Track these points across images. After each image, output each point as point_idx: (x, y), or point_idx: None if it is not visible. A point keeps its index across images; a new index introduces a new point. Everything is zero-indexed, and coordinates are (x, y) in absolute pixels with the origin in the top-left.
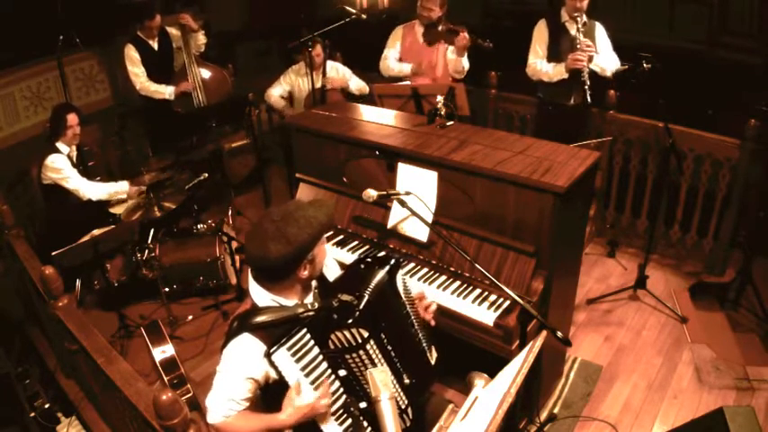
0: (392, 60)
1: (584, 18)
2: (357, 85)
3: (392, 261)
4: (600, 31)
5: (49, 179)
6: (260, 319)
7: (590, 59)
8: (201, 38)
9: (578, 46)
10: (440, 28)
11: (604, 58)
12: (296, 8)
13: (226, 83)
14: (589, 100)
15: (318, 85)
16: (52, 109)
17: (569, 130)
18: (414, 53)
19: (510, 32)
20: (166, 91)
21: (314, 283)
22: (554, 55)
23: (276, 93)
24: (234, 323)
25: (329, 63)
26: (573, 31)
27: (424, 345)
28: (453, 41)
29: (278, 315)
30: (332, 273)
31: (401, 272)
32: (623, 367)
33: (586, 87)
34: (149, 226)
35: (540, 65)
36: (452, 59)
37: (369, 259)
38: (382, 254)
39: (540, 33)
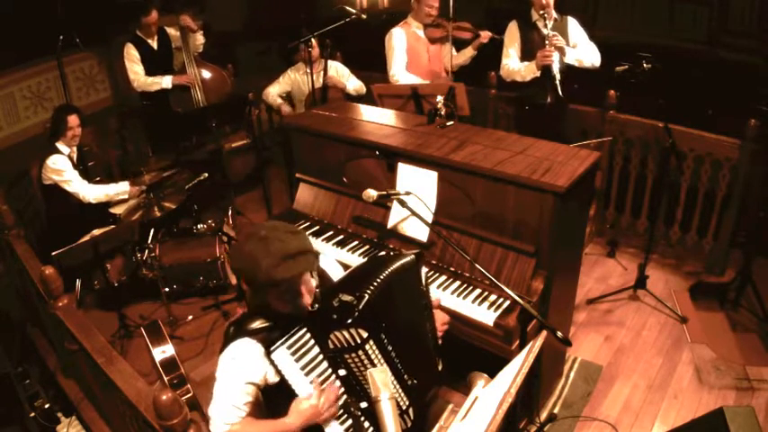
0: (405, 73)
1: (555, 14)
2: (354, 85)
3: (416, 251)
4: (573, 25)
5: (49, 180)
6: (257, 323)
7: (562, 52)
8: (200, 38)
9: (547, 42)
10: (448, 25)
11: (581, 50)
12: (296, 8)
13: (225, 83)
14: (561, 94)
15: (319, 84)
16: (54, 110)
17: (547, 129)
18: (416, 54)
19: None
20: (163, 80)
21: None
22: (527, 55)
23: (274, 91)
24: (230, 328)
25: (329, 63)
26: (543, 29)
27: (433, 347)
28: (465, 37)
29: (275, 318)
30: (334, 274)
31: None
32: (623, 367)
33: (557, 83)
34: (149, 226)
35: (512, 65)
36: (461, 55)
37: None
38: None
39: (512, 34)
